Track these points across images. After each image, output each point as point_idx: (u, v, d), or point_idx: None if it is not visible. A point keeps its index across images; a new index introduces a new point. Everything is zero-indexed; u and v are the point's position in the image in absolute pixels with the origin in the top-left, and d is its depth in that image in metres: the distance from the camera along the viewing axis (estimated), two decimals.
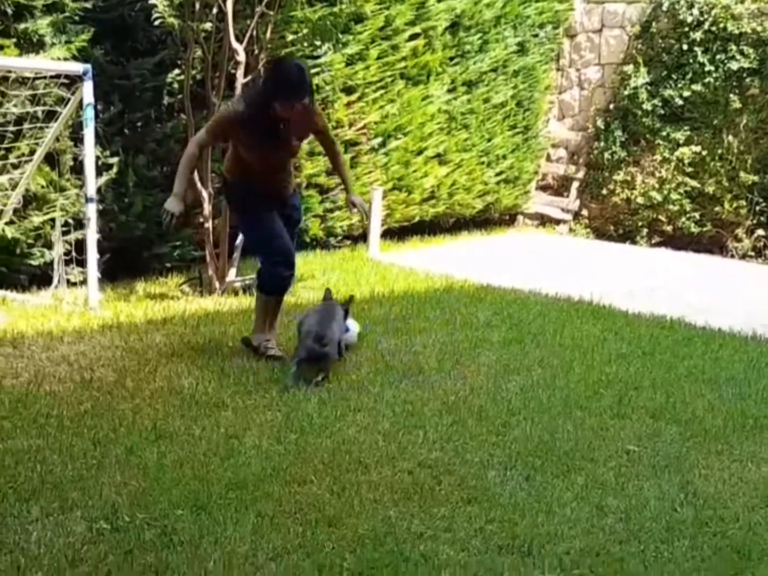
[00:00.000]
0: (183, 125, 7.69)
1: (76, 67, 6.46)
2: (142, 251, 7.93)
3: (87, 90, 6.42)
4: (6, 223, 6.86)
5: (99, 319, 6.23)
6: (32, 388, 4.80)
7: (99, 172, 7.04)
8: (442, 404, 4.80)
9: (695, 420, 4.73)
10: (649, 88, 11.29)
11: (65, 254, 7.05)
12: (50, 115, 6.82)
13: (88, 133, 6.52)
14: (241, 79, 7.13)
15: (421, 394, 4.94)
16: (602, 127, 11.87)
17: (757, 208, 10.69)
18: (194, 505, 3.51)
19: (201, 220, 7.63)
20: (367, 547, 3.25)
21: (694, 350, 6.09)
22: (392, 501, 3.64)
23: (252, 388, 4.93)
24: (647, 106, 11.24)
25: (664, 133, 11.18)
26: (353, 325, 5.85)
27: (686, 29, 10.91)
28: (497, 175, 11.60)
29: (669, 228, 11.34)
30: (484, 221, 11.97)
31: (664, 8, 11.15)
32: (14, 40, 6.74)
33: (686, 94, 10.93)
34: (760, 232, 10.67)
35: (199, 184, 7.30)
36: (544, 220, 12.58)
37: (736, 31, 10.53)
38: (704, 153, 10.94)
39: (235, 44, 7.06)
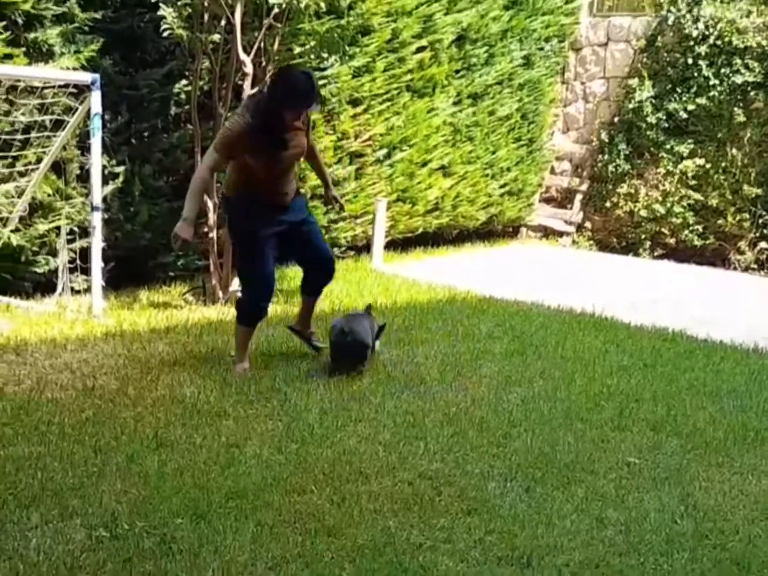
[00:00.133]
0: (190, 136, 7.73)
1: (85, 77, 6.49)
2: (146, 260, 7.95)
3: (95, 99, 6.45)
4: (11, 231, 6.88)
5: (102, 327, 6.25)
6: (34, 395, 4.82)
7: (105, 181, 7.06)
8: (444, 415, 4.81)
9: (696, 432, 4.73)
10: (653, 101, 11.30)
11: (70, 262, 7.06)
12: (58, 124, 6.84)
13: (95, 143, 6.55)
14: (248, 91, 7.15)
15: (422, 405, 4.94)
16: (606, 140, 11.88)
17: (760, 221, 10.69)
18: (194, 513, 3.51)
19: (206, 229, 7.65)
20: (367, 557, 3.26)
21: (695, 363, 6.09)
22: (392, 511, 3.64)
23: (253, 397, 4.94)
24: (652, 120, 11.26)
25: (668, 146, 11.20)
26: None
27: (691, 43, 10.93)
28: (501, 187, 11.61)
29: (672, 240, 11.34)
30: (487, 233, 11.98)
31: (670, 22, 11.17)
32: (24, 49, 6.77)
33: (691, 107, 10.95)
34: (763, 244, 10.68)
35: (204, 194, 7.32)
36: (547, 233, 12.58)
37: (741, 45, 10.55)
38: (708, 166, 10.95)
39: (242, 56, 7.09)
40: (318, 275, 5.80)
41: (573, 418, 4.87)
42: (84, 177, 7.09)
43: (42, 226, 7.07)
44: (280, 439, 4.36)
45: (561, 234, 12.38)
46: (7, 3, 6.60)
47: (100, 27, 7.18)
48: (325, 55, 8.05)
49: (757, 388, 5.55)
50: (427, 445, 4.36)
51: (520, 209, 12.20)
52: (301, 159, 5.76)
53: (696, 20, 10.87)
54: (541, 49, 11.66)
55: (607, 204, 11.88)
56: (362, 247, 9.95)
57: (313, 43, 7.81)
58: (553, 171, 12.86)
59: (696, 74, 10.91)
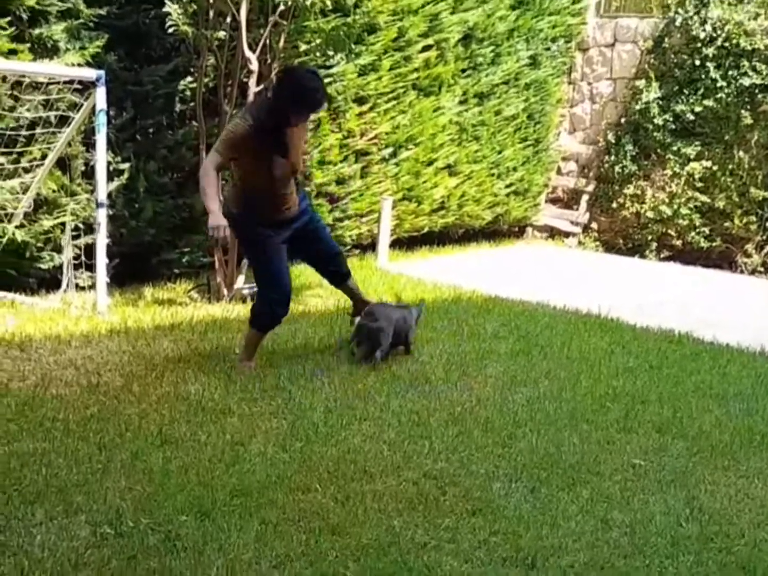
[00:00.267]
0: (195, 132, 7.72)
1: (90, 73, 6.49)
2: (151, 257, 7.96)
3: (100, 96, 6.45)
4: (16, 227, 6.89)
5: (107, 324, 6.24)
6: (39, 391, 4.81)
7: (110, 178, 7.06)
8: (449, 415, 4.79)
9: (702, 435, 4.71)
10: (660, 102, 11.28)
11: (74, 258, 7.07)
12: (63, 120, 6.85)
13: (100, 139, 6.55)
14: (253, 88, 7.15)
15: (427, 405, 4.93)
16: (613, 140, 11.87)
17: (767, 224, 10.67)
18: (198, 511, 3.51)
19: None
20: (371, 556, 3.24)
21: (701, 365, 6.07)
22: (397, 511, 3.63)
23: (258, 395, 4.93)
24: (658, 121, 11.24)
25: (674, 148, 11.18)
26: None
27: (699, 45, 10.91)
28: (507, 187, 11.61)
29: (678, 242, 11.33)
30: (493, 233, 11.97)
31: (677, 24, 11.15)
32: (28, 45, 6.77)
33: (698, 109, 10.93)
34: None
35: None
36: (553, 233, 12.58)
37: (749, 48, 10.52)
38: (715, 168, 10.93)
39: (248, 53, 7.08)
40: (331, 271, 5.80)
41: (578, 419, 4.85)
42: (89, 173, 7.09)
43: (47, 223, 7.07)
44: (285, 437, 4.35)
45: (567, 234, 12.37)
46: None
47: (105, 23, 7.18)
48: (331, 53, 8.02)
49: (763, 392, 5.53)
50: (431, 445, 4.35)
51: (526, 209, 12.20)
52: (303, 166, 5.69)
53: (703, 22, 10.84)
54: (548, 49, 11.66)
55: (614, 205, 11.87)
56: (367, 246, 9.95)
57: (318, 41, 7.80)
58: (559, 171, 12.85)
59: (703, 76, 10.89)
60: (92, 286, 6.96)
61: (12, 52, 6.62)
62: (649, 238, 11.50)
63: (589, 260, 11.22)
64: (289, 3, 7.06)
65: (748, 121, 10.58)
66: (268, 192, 5.22)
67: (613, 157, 11.83)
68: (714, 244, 11.08)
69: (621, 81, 12.08)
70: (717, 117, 10.88)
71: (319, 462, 4.07)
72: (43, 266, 7.16)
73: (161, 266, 8.05)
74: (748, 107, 10.62)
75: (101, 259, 6.65)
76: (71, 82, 6.72)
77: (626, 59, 11.99)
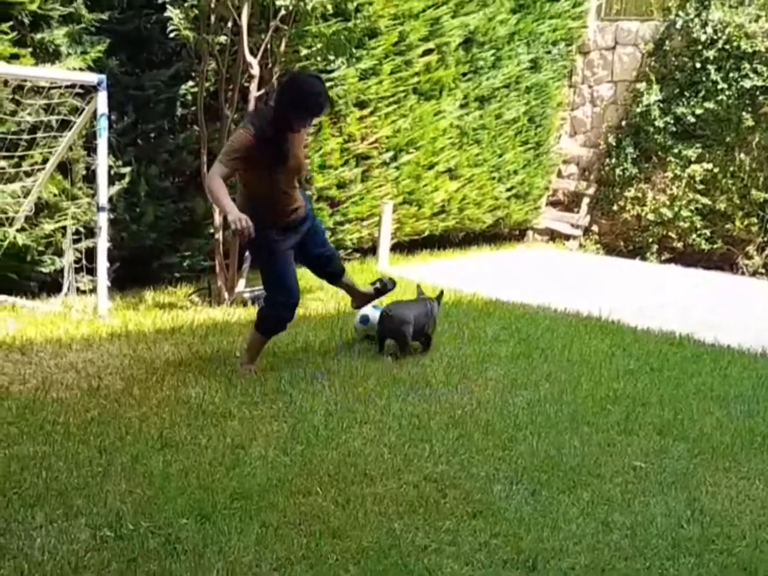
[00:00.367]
0: (196, 137, 7.73)
1: (91, 78, 6.50)
2: (152, 261, 7.97)
3: (101, 100, 6.46)
4: (17, 230, 6.90)
5: (108, 328, 6.25)
6: (39, 394, 4.82)
7: (111, 182, 7.08)
8: (449, 418, 4.79)
9: (703, 437, 4.71)
10: (661, 105, 11.28)
11: (75, 262, 7.08)
12: (64, 124, 6.86)
13: (101, 143, 6.56)
14: (254, 92, 7.16)
15: (427, 408, 4.92)
16: (614, 143, 11.87)
17: None
18: (199, 514, 3.50)
19: (212, 231, 7.66)
20: (371, 559, 3.24)
21: (702, 367, 6.06)
22: (397, 514, 3.63)
23: (259, 398, 4.93)
24: (659, 123, 11.24)
25: (675, 151, 11.18)
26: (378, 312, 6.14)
27: (700, 47, 10.91)
28: (508, 190, 11.61)
29: (679, 245, 11.32)
30: (494, 236, 11.98)
31: (678, 26, 11.15)
32: (30, 49, 6.80)
33: (699, 111, 10.92)
34: None
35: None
36: (554, 236, 12.58)
37: (750, 50, 10.52)
38: (716, 170, 10.93)
39: (249, 57, 7.09)
40: (327, 272, 5.79)
41: (579, 421, 4.84)
42: (90, 177, 7.11)
43: (48, 226, 7.08)
44: (285, 440, 4.35)
45: (568, 237, 12.37)
46: (14, 3, 6.63)
47: (107, 28, 7.20)
48: (332, 58, 8.05)
49: (764, 393, 5.52)
50: (432, 448, 4.34)
51: (527, 212, 12.20)
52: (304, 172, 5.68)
53: (704, 24, 10.85)
54: (549, 52, 11.67)
55: (615, 207, 11.86)
56: (368, 250, 9.95)
57: (319, 45, 7.82)
58: (560, 174, 12.85)
59: (704, 78, 10.89)
60: (93, 290, 6.97)
61: (14, 57, 6.64)
62: (650, 240, 11.49)
63: (589, 263, 11.21)
64: (290, 7, 7.06)
65: (749, 123, 10.58)
66: (272, 198, 5.21)
67: (613, 160, 11.83)
68: (715, 246, 11.08)
69: (622, 84, 12.08)
70: (718, 119, 10.88)
71: (320, 465, 4.06)
72: (44, 270, 7.17)
73: (162, 270, 8.06)
74: (749, 109, 10.62)
75: (102, 263, 6.65)
76: (73, 86, 6.73)
77: (627, 62, 12.00)
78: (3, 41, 6.56)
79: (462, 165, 10.78)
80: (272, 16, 7.19)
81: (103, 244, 6.65)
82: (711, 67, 10.79)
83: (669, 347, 6.57)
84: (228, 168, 4.99)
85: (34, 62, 6.78)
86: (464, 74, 10.56)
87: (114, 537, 3.31)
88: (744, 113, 10.61)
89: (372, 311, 6.23)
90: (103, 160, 6.59)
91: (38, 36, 6.84)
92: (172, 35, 7.00)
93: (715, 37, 10.77)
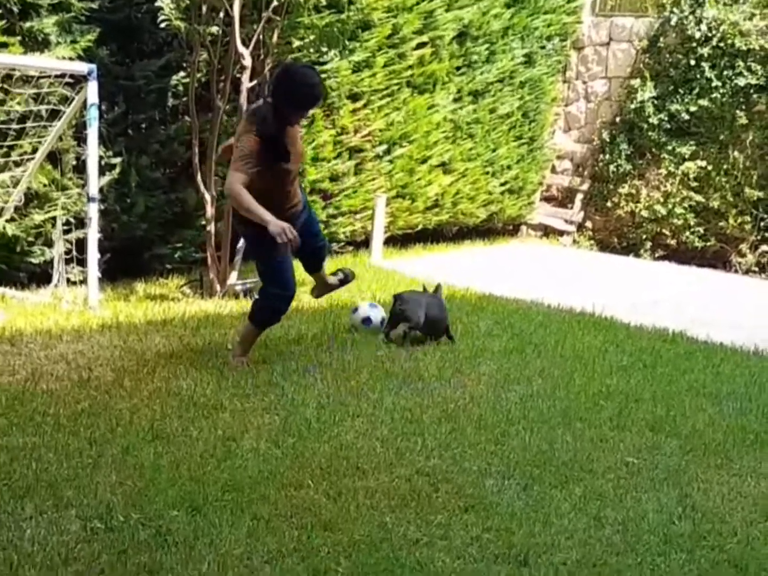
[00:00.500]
0: (187, 128, 7.70)
1: (81, 67, 6.46)
2: (143, 252, 7.93)
3: (91, 90, 6.42)
4: (7, 221, 6.87)
5: (98, 319, 6.21)
6: (29, 385, 4.78)
7: (102, 172, 7.05)
8: (442, 412, 4.77)
9: (695, 434, 4.70)
10: (655, 102, 11.29)
11: (66, 253, 7.05)
12: (54, 114, 6.83)
13: (92, 133, 6.52)
14: (246, 83, 7.13)
15: (420, 402, 4.91)
16: (608, 139, 11.87)
17: (762, 223, 10.68)
18: (189, 506, 3.48)
19: (203, 222, 7.62)
20: (363, 552, 3.22)
21: (695, 364, 6.06)
22: (389, 507, 3.61)
23: (250, 391, 4.90)
24: (653, 120, 11.24)
25: (669, 148, 11.18)
26: (378, 311, 6.31)
27: (694, 45, 10.91)
28: (502, 185, 11.60)
29: (673, 242, 11.33)
30: (487, 231, 11.97)
31: (673, 23, 11.15)
32: (19, 38, 6.76)
33: (693, 109, 10.93)
34: (765, 247, 10.67)
35: (202, 187, 7.30)
36: (547, 231, 12.57)
37: (744, 48, 10.53)
38: (710, 168, 10.93)
39: (241, 48, 7.05)
40: (313, 262, 5.77)
41: (572, 417, 4.83)
42: (80, 168, 7.07)
43: (38, 217, 7.05)
44: (277, 433, 4.33)
45: (561, 233, 12.36)
46: None
47: (97, 17, 7.17)
48: (325, 50, 8.02)
49: (756, 391, 5.52)
50: (424, 442, 4.33)
51: (521, 207, 12.19)
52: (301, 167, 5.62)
53: (699, 22, 10.85)
54: (543, 47, 11.67)
55: (608, 204, 11.87)
56: (361, 243, 9.93)
57: (312, 37, 7.79)
58: (554, 170, 12.85)
59: (698, 76, 10.90)
60: (83, 281, 6.94)
61: (2, 45, 6.61)
62: (644, 237, 11.50)
63: (583, 259, 11.21)
64: None
65: (743, 121, 10.59)
66: (273, 194, 5.12)
67: (607, 156, 11.83)
68: (708, 243, 11.09)
69: (616, 80, 12.08)
70: (712, 117, 10.89)
71: (312, 458, 4.04)
72: (33, 261, 7.14)
73: (153, 261, 8.03)
74: (743, 107, 10.63)
75: (92, 254, 6.62)
76: (62, 75, 6.70)
77: (621, 58, 11.99)
78: None
79: (456, 159, 10.77)
80: (264, 6, 7.16)
81: (93, 234, 6.62)
82: (705, 65, 10.80)
83: (662, 344, 6.57)
84: (247, 175, 4.87)
85: (23, 51, 6.75)
86: (458, 68, 10.55)
87: (104, 528, 3.29)
88: (738, 111, 10.62)
89: (372, 311, 6.37)
90: (93, 151, 6.56)
91: (27, 24, 6.80)
92: (163, 25, 6.96)
93: (710, 35, 10.77)
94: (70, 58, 6.83)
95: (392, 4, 9.36)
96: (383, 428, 4.48)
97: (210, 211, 7.38)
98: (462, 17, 10.26)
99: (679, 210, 11.13)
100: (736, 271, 10.81)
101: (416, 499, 3.69)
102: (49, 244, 7.12)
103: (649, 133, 11.31)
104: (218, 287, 7.39)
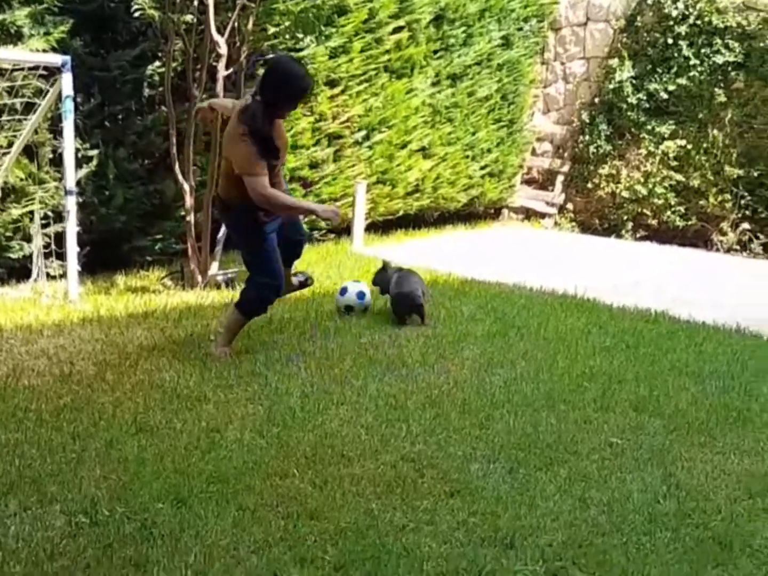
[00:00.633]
0: (164, 118, 7.65)
1: (55, 59, 6.41)
2: (122, 244, 7.89)
3: (66, 82, 6.37)
4: None
5: (79, 313, 6.18)
6: (11, 381, 4.75)
7: (79, 165, 7.00)
8: (426, 397, 4.77)
9: (678, 413, 4.72)
10: (634, 81, 11.30)
11: (44, 247, 7.00)
12: (28, 107, 6.77)
13: (68, 126, 6.47)
14: (222, 72, 7.08)
15: (404, 388, 4.90)
16: (587, 120, 11.88)
17: (742, 201, 10.72)
18: (175, 498, 3.47)
19: (183, 213, 7.58)
20: (349, 539, 3.22)
21: (677, 343, 6.08)
22: (375, 494, 3.61)
23: (234, 381, 4.89)
24: (632, 100, 11.25)
25: (649, 127, 11.20)
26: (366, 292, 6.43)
27: (671, 23, 10.93)
28: (482, 168, 11.60)
29: (654, 222, 11.36)
30: (468, 215, 11.97)
31: (649, 2, 11.16)
32: None
33: (671, 87, 10.95)
34: (745, 225, 10.70)
35: (180, 177, 7.26)
36: (529, 214, 12.59)
37: (721, 25, 10.54)
38: (689, 147, 10.96)
39: (216, 36, 7.00)
40: (287, 254, 5.74)
41: (555, 399, 4.84)
42: (57, 161, 7.02)
43: (15, 211, 7.00)
44: (262, 422, 4.32)
45: (543, 215, 12.38)
46: None
47: (70, 8, 7.11)
48: (301, 36, 7.98)
49: (739, 369, 5.54)
50: (409, 428, 4.33)
51: (502, 191, 12.19)
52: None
53: (676, 0, 10.85)
54: (520, 29, 11.65)
55: (589, 185, 11.89)
56: (342, 230, 9.91)
57: (287, 23, 7.75)
58: (534, 152, 12.86)
59: (676, 54, 10.91)
60: (63, 275, 6.90)
61: None
62: (625, 218, 11.53)
63: (565, 241, 11.23)
64: None
65: (722, 99, 10.61)
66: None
67: (587, 137, 11.84)
68: (689, 222, 11.12)
69: (594, 60, 12.08)
70: (690, 95, 10.91)
71: (297, 447, 4.04)
72: (12, 256, 7.09)
73: (133, 253, 7.99)
74: (722, 85, 10.65)
75: (72, 248, 6.58)
76: (36, 68, 6.64)
77: (599, 38, 11.99)
78: None
79: (435, 144, 10.75)
80: None
81: (72, 228, 6.58)
82: (683, 43, 10.81)
83: (644, 324, 6.59)
84: (266, 173, 4.95)
85: None
86: (435, 52, 10.53)
87: (89, 523, 3.28)
88: (716, 89, 10.65)
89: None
90: (69, 143, 6.50)
91: None
92: (136, 15, 6.90)
93: (687, 13, 10.78)
94: (44, 50, 6.78)
95: None
96: (368, 415, 4.48)
97: (189, 201, 7.34)
98: (438, 0, 10.22)
99: (659, 190, 11.16)
100: (717, 250, 10.85)
101: (402, 485, 3.69)
102: (28, 238, 7.07)
103: (628, 113, 11.32)
104: (199, 278, 7.36)
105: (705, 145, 10.88)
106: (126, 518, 3.31)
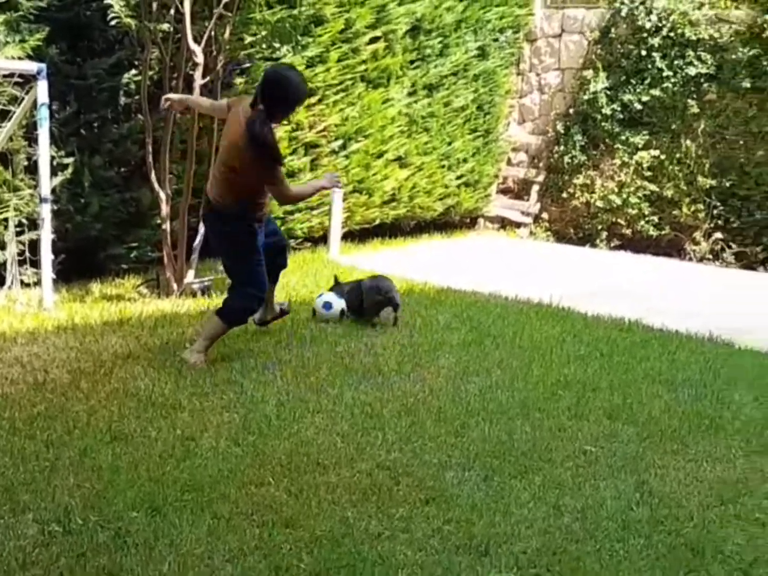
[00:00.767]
0: (140, 126, 7.62)
1: (30, 67, 6.38)
2: (98, 252, 7.85)
3: (41, 89, 6.34)
4: None
5: (53, 321, 6.14)
6: None
7: (54, 173, 6.96)
8: (401, 406, 4.78)
9: (652, 421, 4.76)
10: (608, 92, 11.40)
11: (19, 255, 6.95)
12: (3, 115, 6.72)
13: (43, 133, 6.45)
14: (199, 80, 7.07)
15: (380, 396, 4.91)
16: (562, 131, 11.96)
17: (715, 211, 10.83)
18: (149, 507, 3.46)
19: (159, 221, 7.56)
20: (325, 548, 3.23)
21: (651, 352, 6.13)
22: (350, 502, 3.61)
23: (209, 389, 4.88)
24: (606, 111, 11.35)
25: (623, 138, 11.30)
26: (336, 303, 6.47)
27: (645, 35, 11.04)
28: (458, 178, 11.64)
29: (628, 231, 11.45)
30: (445, 224, 12.00)
31: (623, 14, 11.27)
32: None
33: (645, 98, 11.06)
34: (718, 235, 10.82)
35: (156, 185, 7.23)
36: (504, 223, 12.64)
37: (694, 38, 10.68)
38: (663, 157, 11.08)
39: (193, 45, 6.99)
40: (275, 258, 5.75)
41: (530, 407, 4.87)
42: (32, 168, 6.97)
43: None
44: (237, 431, 4.31)
45: (518, 225, 12.44)
46: None
47: (46, 15, 7.06)
48: (277, 45, 7.98)
49: (711, 377, 5.60)
50: (385, 436, 4.34)
51: (477, 200, 12.25)
52: None
53: (649, 12, 10.98)
54: (496, 40, 11.72)
55: (564, 195, 11.97)
56: (319, 239, 9.91)
57: (264, 33, 7.75)
58: (509, 162, 12.92)
59: (650, 66, 11.03)
60: (38, 283, 6.84)
61: None
62: (600, 227, 11.61)
63: (540, 250, 11.29)
64: None
65: (695, 110, 10.74)
66: (260, 193, 5.32)
67: (562, 147, 11.92)
68: (663, 232, 11.22)
69: (569, 71, 12.17)
70: (664, 106, 11.03)
71: (272, 455, 4.04)
72: None
73: (109, 261, 7.95)
74: (694, 96, 10.78)
75: (46, 255, 6.54)
76: (11, 75, 6.61)
77: (573, 50, 12.09)
78: None
79: (411, 153, 10.78)
80: (216, 3, 7.10)
81: (46, 235, 6.54)
82: (656, 55, 10.93)
83: (618, 333, 6.64)
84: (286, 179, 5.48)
85: None
86: (412, 62, 10.56)
87: (62, 532, 3.26)
88: (689, 100, 10.77)
89: (336, 299, 6.52)
90: (44, 151, 6.48)
91: None
92: (113, 23, 6.88)
93: (660, 25, 10.91)
94: (19, 58, 6.73)
95: None
96: (343, 423, 4.48)
97: (165, 209, 7.31)
98: (414, 11, 10.27)
99: (633, 199, 11.26)
100: (690, 259, 10.96)
101: (377, 493, 3.70)
102: (2, 246, 7.02)
103: (603, 124, 11.42)
104: (175, 286, 7.33)
105: (678, 155, 11.00)
106: (100, 527, 3.30)
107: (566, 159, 11.83)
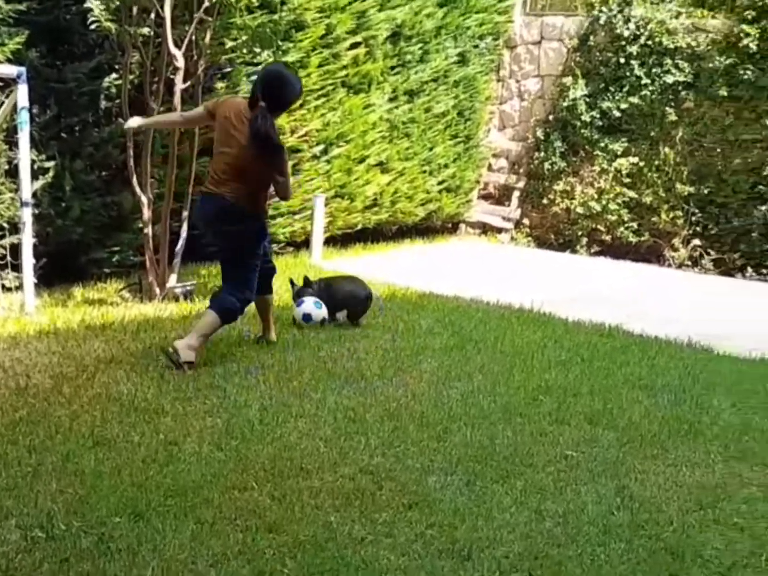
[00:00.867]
0: (121, 130, 7.59)
1: (10, 70, 6.36)
2: (79, 256, 7.82)
3: (21, 93, 6.32)
4: None
5: (35, 325, 6.11)
6: None
7: (35, 176, 6.93)
8: (384, 410, 4.80)
9: (632, 426, 4.80)
10: (587, 99, 11.49)
11: (0, 259, 6.91)
12: None
13: (23, 137, 6.42)
14: (179, 85, 7.06)
15: (363, 401, 4.92)
16: (542, 137, 12.03)
17: (693, 218, 10.94)
18: (132, 512, 3.45)
19: (140, 225, 7.54)
20: (308, 552, 3.23)
21: (631, 357, 6.18)
22: (333, 507, 3.62)
23: (192, 394, 4.87)
24: (586, 118, 11.43)
25: (602, 145, 11.39)
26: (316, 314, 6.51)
27: (623, 43, 11.14)
28: (439, 183, 11.69)
29: (608, 237, 11.54)
30: (426, 229, 12.04)
31: (602, 22, 11.37)
32: None
33: (623, 106, 11.15)
34: (696, 242, 10.92)
35: (138, 189, 7.22)
36: (486, 229, 12.70)
37: (672, 46, 10.78)
38: (641, 164, 11.17)
39: (173, 50, 6.98)
40: (265, 268, 5.75)
41: (512, 412, 4.89)
42: (13, 172, 6.94)
43: None
44: (220, 435, 4.31)
45: (499, 230, 12.50)
46: None
47: (26, 19, 7.03)
48: (258, 50, 7.98)
49: (690, 382, 5.65)
50: (368, 441, 4.35)
51: (459, 205, 12.30)
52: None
53: (627, 20, 11.08)
54: (476, 46, 11.79)
55: (544, 201, 12.05)
56: (301, 243, 9.92)
57: (245, 38, 7.75)
58: (490, 168, 12.99)
59: (628, 73, 11.12)
60: (19, 287, 6.81)
61: None
62: (580, 233, 11.69)
63: (521, 256, 11.35)
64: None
65: (673, 117, 10.84)
66: (268, 187, 5.52)
67: (542, 154, 11.99)
68: (642, 238, 11.32)
69: (548, 78, 12.26)
70: (642, 114, 11.12)
71: (255, 460, 4.04)
72: None
73: (90, 265, 7.92)
74: (672, 104, 10.89)
75: (27, 260, 6.51)
76: None
77: (553, 57, 12.17)
78: None
79: (393, 158, 10.81)
80: (196, 7, 7.09)
81: (28, 239, 6.51)
82: (634, 63, 11.04)
83: (599, 338, 6.69)
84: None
85: None
86: (392, 68, 10.60)
87: (45, 537, 3.24)
88: (667, 108, 10.88)
89: (314, 309, 6.50)
90: (25, 155, 6.45)
91: None
92: (93, 27, 6.85)
93: (638, 33, 11.01)
94: None
95: (325, 4, 9.37)
96: (326, 428, 4.49)
97: (147, 213, 7.30)
98: (395, 17, 10.31)
99: (612, 206, 11.35)
100: (669, 265, 11.05)
101: (360, 498, 3.71)
102: None
103: (582, 131, 11.50)
104: (157, 290, 7.32)
105: (657, 162, 11.10)
106: (83, 532, 3.29)
107: (546, 165, 11.90)
